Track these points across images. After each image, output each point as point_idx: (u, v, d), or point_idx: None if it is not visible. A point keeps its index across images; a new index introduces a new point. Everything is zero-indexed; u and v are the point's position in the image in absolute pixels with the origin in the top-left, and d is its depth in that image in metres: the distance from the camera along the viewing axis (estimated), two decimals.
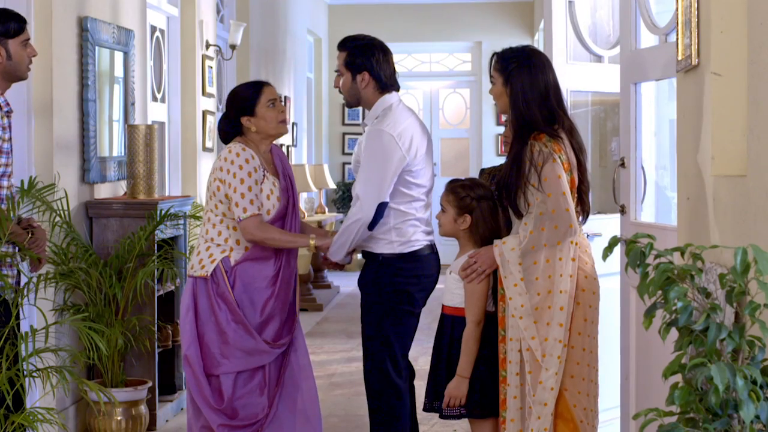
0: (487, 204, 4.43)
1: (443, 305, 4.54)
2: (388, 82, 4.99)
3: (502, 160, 4.79)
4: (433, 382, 4.51)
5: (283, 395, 4.97)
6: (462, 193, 4.44)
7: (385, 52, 5.03)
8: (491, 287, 4.38)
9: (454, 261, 4.49)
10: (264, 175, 4.87)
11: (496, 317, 4.34)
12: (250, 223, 4.79)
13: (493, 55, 4.44)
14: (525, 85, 4.28)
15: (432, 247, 5.00)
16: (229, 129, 4.98)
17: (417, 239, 4.92)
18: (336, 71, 5.10)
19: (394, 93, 5.02)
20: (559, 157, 4.20)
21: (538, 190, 4.16)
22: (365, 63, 4.96)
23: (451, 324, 4.46)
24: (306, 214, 12.45)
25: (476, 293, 4.35)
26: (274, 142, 5.08)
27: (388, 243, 4.91)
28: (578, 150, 4.34)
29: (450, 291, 4.48)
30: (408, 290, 4.91)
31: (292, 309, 5.00)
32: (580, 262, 4.24)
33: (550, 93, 4.31)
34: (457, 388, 4.37)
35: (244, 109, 4.91)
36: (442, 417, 4.49)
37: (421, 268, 4.93)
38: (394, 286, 4.90)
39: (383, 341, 4.92)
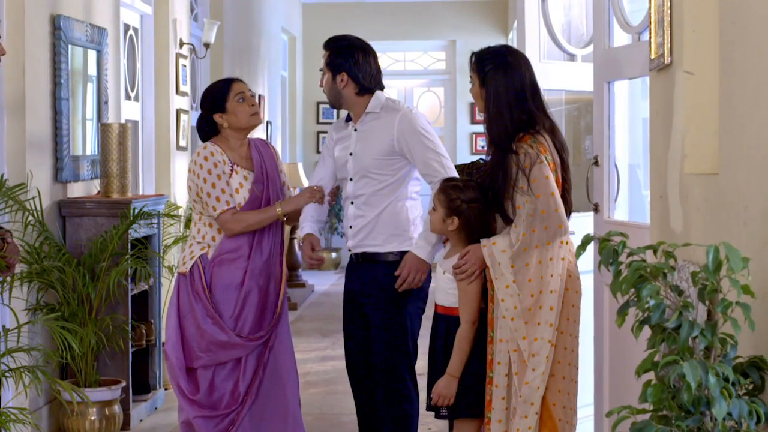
0: (476, 207, 4.32)
1: (436, 304, 4.47)
2: (366, 84, 4.99)
3: (473, 158, 4.78)
4: (432, 382, 4.47)
5: (263, 387, 5.03)
6: (452, 195, 4.35)
7: (366, 54, 5.03)
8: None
9: (444, 260, 4.42)
10: (232, 169, 4.96)
11: (486, 317, 4.30)
12: (223, 220, 4.92)
13: (472, 55, 4.40)
14: (499, 87, 4.23)
15: None
16: (205, 127, 5.09)
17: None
18: (321, 69, 5.12)
19: (379, 92, 5.02)
20: (546, 158, 4.17)
21: (526, 192, 4.12)
22: (344, 64, 4.97)
23: (446, 325, 4.41)
24: None
25: (470, 293, 4.28)
26: (260, 136, 5.16)
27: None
28: (561, 149, 4.30)
29: (443, 290, 4.41)
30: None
31: (274, 300, 5.05)
32: (568, 262, 4.22)
33: (527, 94, 4.25)
34: (447, 387, 4.30)
35: (215, 106, 5.02)
36: (437, 417, 4.46)
37: None
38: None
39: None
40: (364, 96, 5.00)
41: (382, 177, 4.94)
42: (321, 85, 5.10)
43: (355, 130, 5.03)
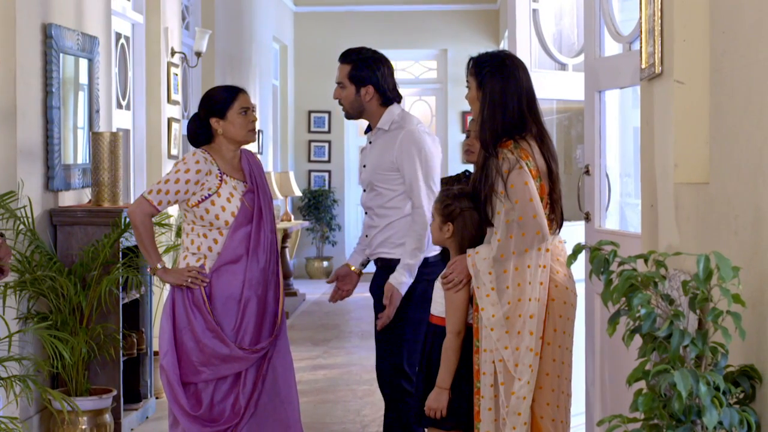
0: (470, 214, 4.29)
1: (431, 314, 4.45)
2: (390, 96, 5.05)
3: (465, 167, 4.77)
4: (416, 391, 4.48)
5: (262, 401, 4.96)
6: (447, 202, 4.33)
7: (389, 66, 5.10)
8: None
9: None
10: (222, 179, 4.87)
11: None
12: (141, 203, 4.84)
13: (469, 60, 4.37)
14: (495, 91, 4.21)
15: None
16: (197, 129, 4.98)
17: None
18: (338, 83, 5.09)
19: (393, 107, 5.07)
20: (527, 164, 4.13)
21: (505, 197, 4.10)
22: (370, 76, 5.01)
23: (432, 334, 4.40)
24: None
25: (455, 303, 4.26)
26: (252, 145, 5.14)
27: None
28: (549, 157, 4.25)
29: (436, 300, 4.41)
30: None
31: (272, 311, 4.99)
32: (551, 271, 4.17)
33: (523, 100, 4.23)
34: (436, 400, 4.26)
35: (216, 111, 4.93)
36: (420, 425, 4.46)
37: (428, 273, 4.96)
38: (421, 291, 4.95)
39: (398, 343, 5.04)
40: (386, 107, 5.06)
41: (387, 191, 5.01)
42: (336, 98, 5.10)
43: (370, 142, 5.12)
